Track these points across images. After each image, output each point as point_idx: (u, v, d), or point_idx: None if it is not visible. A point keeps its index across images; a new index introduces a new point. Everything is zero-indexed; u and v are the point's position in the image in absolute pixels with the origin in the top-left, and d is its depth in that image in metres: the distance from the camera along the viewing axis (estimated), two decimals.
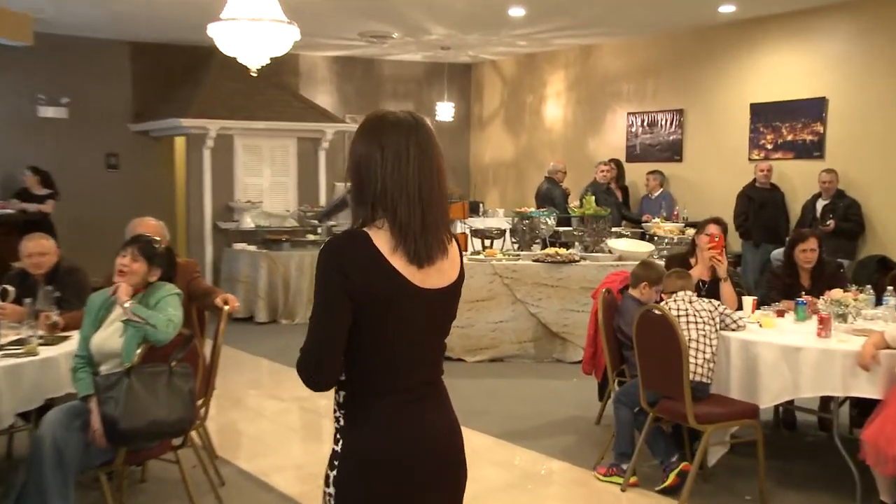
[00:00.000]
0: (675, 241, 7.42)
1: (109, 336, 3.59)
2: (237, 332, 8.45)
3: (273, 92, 10.27)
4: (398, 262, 1.88)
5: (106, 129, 10.07)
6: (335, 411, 1.98)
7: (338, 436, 1.97)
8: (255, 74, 6.09)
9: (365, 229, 1.89)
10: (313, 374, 1.88)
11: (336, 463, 1.95)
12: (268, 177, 10.28)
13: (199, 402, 4.02)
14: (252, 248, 9.20)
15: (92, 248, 9.56)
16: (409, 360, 1.96)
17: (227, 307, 4.23)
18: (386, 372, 1.94)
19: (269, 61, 5.89)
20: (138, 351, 3.47)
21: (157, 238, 3.81)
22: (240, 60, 5.85)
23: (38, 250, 4.49)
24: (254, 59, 5.83)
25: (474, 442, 5.08)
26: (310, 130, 10.37)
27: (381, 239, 1.88)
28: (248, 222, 9.67)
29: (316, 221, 9.59)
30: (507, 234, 8.17)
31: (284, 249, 9.09)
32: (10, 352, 3.72)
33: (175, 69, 10.34)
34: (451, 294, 2.00)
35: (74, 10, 8.33)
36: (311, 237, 9.48)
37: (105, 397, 3.35)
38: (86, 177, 9.98)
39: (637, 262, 6.71)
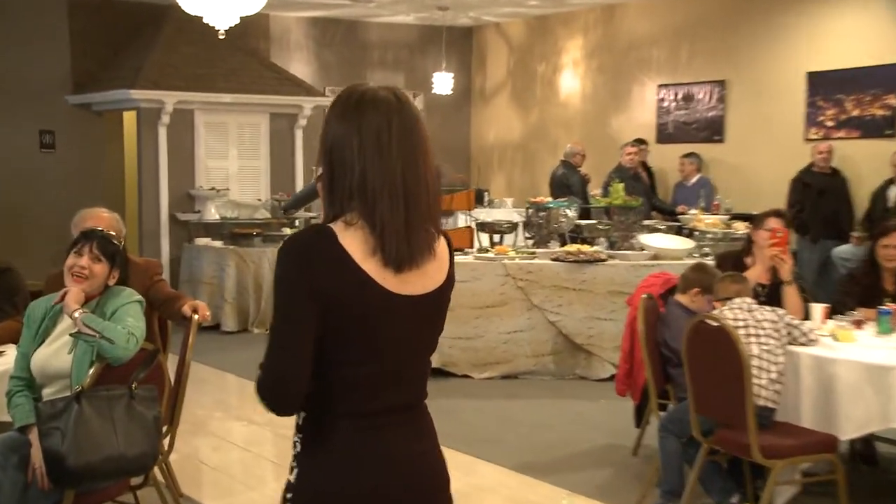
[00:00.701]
0: (720, 236, 7.36)
1: (55, 353, 3.50)
2: (201, 342, 8.18)
3: (240, 58, 10.18)
4: (371, 265, 1.87)
5: (39, 103, 9.90)
6: (294, 434, 1.98)
7: (293, 463, 1.98)
8: (222, 36, 6.03)
9: (331, 225, 1.89)
10: (275, 396, 1.89)
11: (289, 496, 1.97)
12: (235, 159, 10.18)
13: (164, 430, 3.90)
14: (217, 243, 9.10)
15: (24, 242, 9.42)
16: (380, 380, 1.95)
17: (196, 316, 4.12)
18: (351, 392, 1.93)
19: (237, 20, 5.83)
20: (91, 371, 3.37)
21: (113, 233, 3.72)
22: (205, 20, 5.77)
23: None
24: (221, 18, 5.77)
25: (484, 476, 5.03)
26: (285, 105, 10.29)
27: (350, 237, 1.87)
28: (213, 213, 9.55)
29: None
30: (520, 229, 8.10)
31: (255, 245, 9.00)
32: None
33: (121, 30, 10.20)
34: (435, 302, 1.99)
35: None
36: (286, 231, 9.38)
37: (49, 428, 3.23)
38: (15, 158, 9.81)
39: (674, 261, 6.80)
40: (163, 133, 9.63)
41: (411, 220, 1.89)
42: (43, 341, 3.56)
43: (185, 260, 9.33)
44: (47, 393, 3.47)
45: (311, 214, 9.18)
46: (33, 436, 3.32)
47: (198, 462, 5.33)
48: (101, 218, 4.28)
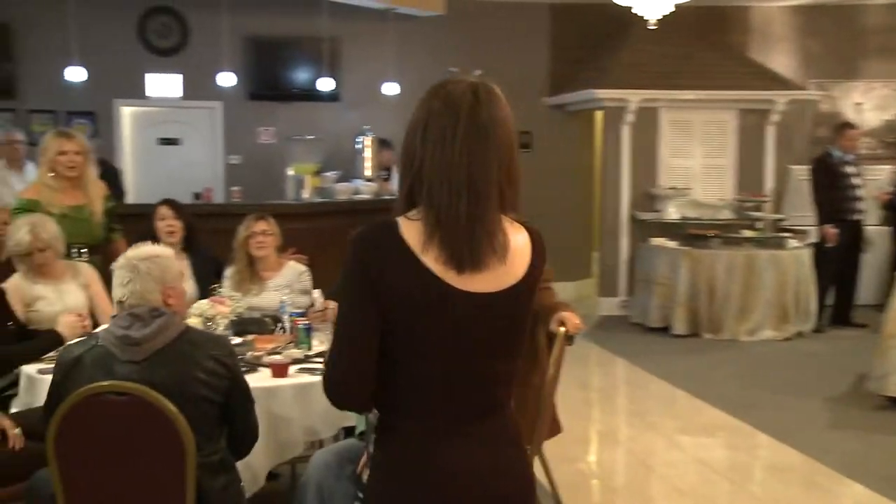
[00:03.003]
0: None
1: None
2: (645, 343, 8.34)
3: (711, 55, 9.73)
4: (430, 258, 1.81)
5: (519, 104, 10.33)
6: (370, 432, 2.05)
7: (369, 464, 2.01)
8: (653, 27, 5.87)
9: (398, 218, 1.85)
10: (337, 390, 1.87)
11: (360, 496, 2.06)
12: (699, 158, 9.77)
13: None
14: (672, 244, 8.79)
15: None
16: (446, 382, 1.88)
17: (562, 329, 3.80)
18: (416, 393, 1.88)
19: (672, 9, 5.55)
20: None
21: None
22: (635, 10, 5.61)
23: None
24: (652, 7, 5.57)
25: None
26: (754, 100, 9.58)
27: (412, 230, 1.83)
28: (672, 213, 9.27)
29: (755, 214, 8.87)
30: None
31: (711, 247, 8.52)
32: (309, 366, 3.73)
33: (597, 32, 10.31)
34: (505, 302, 1.87)
35: None
36: (746, 233, 8.76)
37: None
38: None
39: None
40: (626, 132, 9.57)
41: (474, 216, 1.81)
42: None
43: (641, 259, 9.17)
44: None
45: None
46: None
47: (602, 485, 5.11)
48: None
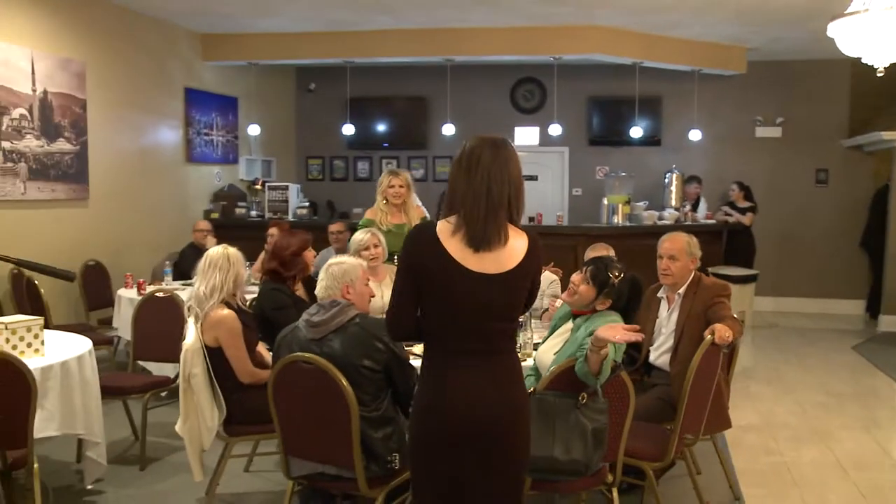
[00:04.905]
0: None
1: (549, 349, 3.98)
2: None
3: None
4: (454, 246, 2.53)
5: (817, 146, 11.85)
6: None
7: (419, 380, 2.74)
8: (881, 74, 6.13)
9: (438, 221, 2.61)
10: (390, 328, 2.70)
11: (412, 403, 2.75)
12: None
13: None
14: None
15: (791, 260, 11.72)
16: (461, 331, 2.58)
17: (708, 337, 4.14)
18: (443, 337, 2.61)
19: None
20: (545, 375, 3.63)
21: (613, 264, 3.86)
22: (864, 61, 5.94)
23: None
24: (880, 56, 5.84)
25: None
26: None
27: (444, 227, 2.56)
28: None
29: None
30: None
31: None
32: None
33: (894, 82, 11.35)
34: (504, 281, 2.56)
35: (781, 37, 10.32)
36: None
37: None
38: (794, 192, 11.99)
39: None
40: None
41: (489, 217, 2.51)
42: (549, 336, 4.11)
43: None
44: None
45: None
46: None
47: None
48: (677, 240, 4.85)
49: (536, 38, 10.09)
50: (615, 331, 3.04)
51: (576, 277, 3.80)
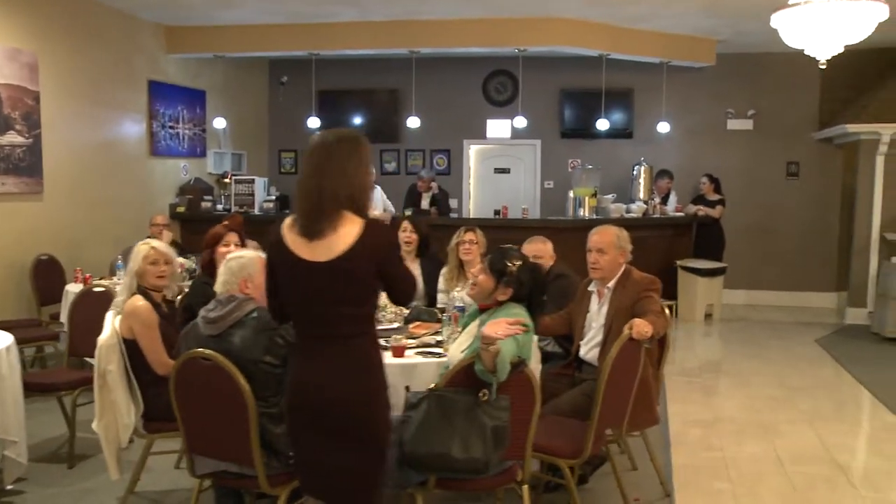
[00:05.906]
0: None
1: (457, 347, 3.89)
2: (872, 351, 8.96)
3: None
4: (292, 237, 2.74)
5: (788, 139, 11.77)
6: None
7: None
8: (822, 67, 6.10)
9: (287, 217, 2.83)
10: (272, 317, 3.08)
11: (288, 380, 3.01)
12: None
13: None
14: None
15: (763, 253, 11.64)
16: (308, 317, 2.81)
17: (626, 332, 4.07)
18: (296, 323, 2.89)
19: (841, 50, 5.86)
20: (443, 372, 3.67)
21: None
22: (807, 52, 5.92)
23: (532, 253, 5.01)
24: (822, 49, 5.79)
25: None
26: None
27: (287, 221, 2.80)
28: None
29: None
30: None
31: None
32: (431, 351, 4.18)
33: (866, 74, 11.27)
34: (335, 267, 2.69)
35: (749, 30, 10.20)
36: None
37: (406, 415, 3.45)
38: (766, 185, 11.90)
39: None
40: (879, 162, 10.51)
41: (319, 211, 2.68)
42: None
43: (884, 275, 10.06)
44: None
45: None
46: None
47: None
48: (605, 233, 4.80)
49: (502, 30, 9.99)
50: (498, 326, 3.00)
51: (475, 269, 3.81)
